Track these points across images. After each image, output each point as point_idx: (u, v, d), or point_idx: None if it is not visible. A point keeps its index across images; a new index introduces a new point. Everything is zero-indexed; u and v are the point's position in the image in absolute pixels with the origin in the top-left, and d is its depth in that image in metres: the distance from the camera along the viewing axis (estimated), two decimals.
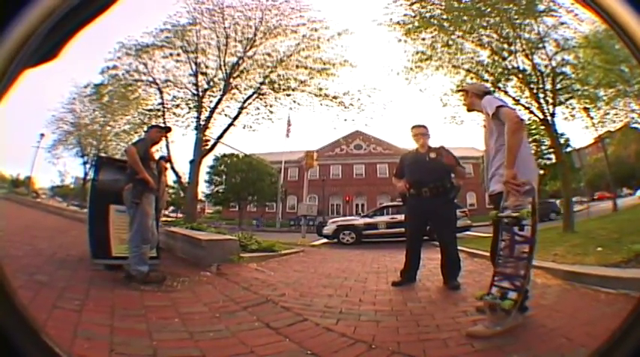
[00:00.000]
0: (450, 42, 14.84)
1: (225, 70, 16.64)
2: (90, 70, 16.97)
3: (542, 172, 12.32)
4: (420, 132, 7.22)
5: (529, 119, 13.62)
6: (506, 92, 14.17)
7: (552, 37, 13.74)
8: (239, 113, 16.64)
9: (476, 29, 14.31)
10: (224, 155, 20.78)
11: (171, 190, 17.67)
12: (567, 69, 14.00)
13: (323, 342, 4.07)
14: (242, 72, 16.76)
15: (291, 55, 16.87)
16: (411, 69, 15.42)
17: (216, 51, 16.68)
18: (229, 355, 3.67)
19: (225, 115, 16.65)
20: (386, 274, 8.02)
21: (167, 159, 8.44)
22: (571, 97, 13.94)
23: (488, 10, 14.03)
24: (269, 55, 16.89)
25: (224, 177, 21.32)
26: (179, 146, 21.63)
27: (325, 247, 14.66)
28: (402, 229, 7.73)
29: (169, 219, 16.53)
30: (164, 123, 15.70)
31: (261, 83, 16.79)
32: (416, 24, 14.96)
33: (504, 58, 14.39)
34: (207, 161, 19.05)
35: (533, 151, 6.32)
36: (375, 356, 3.73)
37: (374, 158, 22.97)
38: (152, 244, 7.00)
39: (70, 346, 3.41)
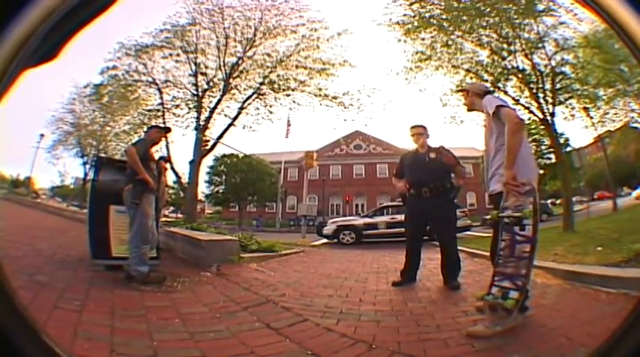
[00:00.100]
0: (450, 42, 14.84)
1: (225, 70, 16.64)
2: (90, 70, 16.97)
3: (541, 171, 12.30)
4: (419, 132, 7.23)
5: (529, 119, 13.63)
6: (505, 92, 14.17)
7: (552, 37, 13.75)
8: (239, 113, 16.65)
9: (475, 29, 14.31)
10: (224, 155, 20.78)
11: (171, 191, 17.66)
12: (567, 69, 14.00)
13: (323, 342, 4.07)
14: (242, 72, 16.76)
15: (290, 56, 16.87)
16: (411, 69, 15.42)
17: (215, 51, 16.69)
18: (230, 355, 3.67)
19: (225, 115, 16.66)
20: (386, 274, 8.03)
21: (167, 159, 8.44)
22: (571, 97, 13.94)
23: (488, 9, 14.03)
24: (269, 55, 16.89)
25: (224, 177, 21.30)
26: (179, 146, 21.59)
27: (325, 248, 14.66)
28: (402, 229, 7.74)
29: (169, 219, 16.51)
30: (164, 123, 15.68)
31: (261, 83, 16.79)
32: (415, 24, 14.95)
33: (504, 58, 14.39)
34: (207, 161, 19.06)
35: (533, 151, 6.32)
36: (376, 356, 3.74)
37: (374, 158, 22.95)
38: (152, 245, 7.00)
39: (71, 347, 3.41)
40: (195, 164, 16.18)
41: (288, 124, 18.84)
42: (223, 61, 16.66)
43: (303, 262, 10.16)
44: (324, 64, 16.80)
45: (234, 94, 16.75)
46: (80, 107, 18.01)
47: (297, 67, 16.88)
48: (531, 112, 13.69)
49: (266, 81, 16.78)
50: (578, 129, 16.27)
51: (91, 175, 10.16)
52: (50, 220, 16.34)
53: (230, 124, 16.59)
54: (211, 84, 16.69)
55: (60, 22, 1.26)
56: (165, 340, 3.95)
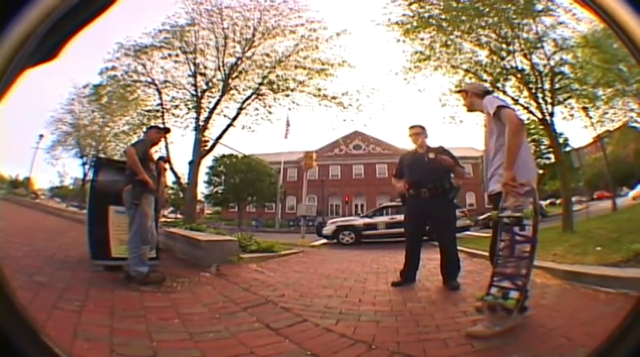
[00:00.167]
0: (449, 42, 14.85)
1: (224, 70, 16.65)
2: (89, 70, 16.97)
3: (541, 171, 12.32)
4: (417, 132, 7.23)
5: (528, 119, 13.64)
6: (504, 92, 14.19)
7: (551, 37, 13.77)
8: (238, 114, 16.65)
9: (474, 29, 14.32)
10: (223, 156, 20.79)
11: (170, 191, 17.66)
12: (566, 68, 14.02)
13: (323, 342, 4.08)
14: (241, 73, 16.76)
15: (289, 56, 16.88)
16: (410, 69, 15.43)
17: (214, 52, 16.69)
18: (229, 355, 3.68)
19: (224, 115, 16.66)
20: (385, 274, 8.03)
21: (166, 160, 8.45)
22: (570, 97, 13.96)
23: (487, 9, 14.03)
24: (267, 55, 16.90)
25: (223, 178, 21.32)
26: (178, 147, 21.65)
27: (325, 248, 14.67)
28: (402, 230, 7.74)
29: (169, 220, 16.50)
30: (163, 124, 15.69)
31: (260, 84, 16.79)
32: (414, 24, 14.96)
33: (503, 58, 14.40)
34: (207, 162, 19.06)
35: (532, 151, 6.32)
36: (375, 356, 3.74)
37: (373, 158, 22.96)
38: (151, 245, 7.00)
39: (70, 347, 3.41)
40: (194, 165, 16.19)
41: (288, 125, 18.87)
42: (222, 62, 16.68)
43: (302, 263, 10.16)
44: (323, 64, 16.82)
45: (233, 94, 16.77)
46: (79, 108, 18.05)
47: (296, 67, 16.90)
48: (530, 112, 13.72)
49: (265, 81, 16.79)
50: (577, 129, 16.34)
51: (90, 176, 10.15)
52: (49, 220, 16.34)
53: (229, 125, 16.61)
54: (210, 84, 16.70)
55: (59, 23, 1.26)
56: (164, 340, 3.95)
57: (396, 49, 15.83)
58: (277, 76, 16.85)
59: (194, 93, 16.63)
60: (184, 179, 17.09)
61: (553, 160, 14.60)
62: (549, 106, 13.64)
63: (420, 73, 15.38)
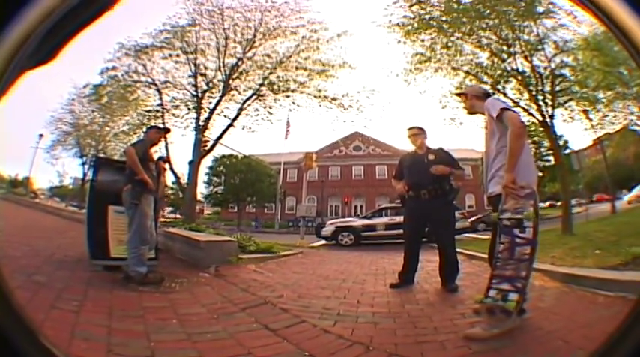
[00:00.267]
0: (450, 44, 14.84)
1: (225, 71, 16.63)
2: (89, 70, 16.96)
3: (540, 174, 12.32)
4: (416, 133, 7.27)
5: (528, 121, 13.62)
6: (505, 94, 14.17)
7: (551, 39, 13.75)
8: (238, 114, 16.62)
9: (475, 31, 14.30)
10: (223, 156, 20.74)
11: (170, 191, 17.65)
12: (566, 71, 14.01)
13: (321, 343, 4.08)
14: (241, 73, 16.74)
15: (290, 57, 16.86)
16: (411, 71, 15.41)
17: (215, 52, 16.67)
18: (227, 356, 3.68)
19: (225, 116, 16.62)
20: (384, 275, 8.04)
21: (166, 160, 8.45)
22: (570, 99, 13.94)
23: (488, 11, 14.03)
24: (268, 56, 16.87)
25: (223, 178, 21.28)
26: (178, 147, 21.59)
27: (324, 249, 14.64)
28: (401, 231, 7.75)
29: (168, 220, 16.49)
30: (163, 124, 15.67)
31: (261, 84, 16.76)
32: (415, 25, 14.94)
33: (503, 60, 14.39)
34: (206, 162, 19.03)
35: (532, 154, 6.33)
36: None
37: (373, 160, 22.91)
38: (151, 245, 7.01)
39: (68, 347, 3.41)
40: (194, 165, 16.16)
41: (288, 126, 18.85)
42: (223, 62, 16.65)
43: (301, 264, 10.16)
44: (323, 65, 16.80)
45: (233, 95, 16.74)
46: (79, 107, 18.00)
47: (296, 68, 16.88)
48: (531, 114, 13.69)
49: (265, 82, 16.76)
50: (577, 131, 16.22)
51: (89, 176, 10.14)
52: (49, 220, 16.33)
53: (229, 125, 16.57)
54: (211, 85, 16.67)
55: (59, 23, 1.27)
56: (162, 340, 3.95)
57: (396, 51, 15.79)
58: (278, 76, 16.83)
59: (194, 93, 16.61)
60: (184, 179, 17.07)
61: (553, 163, 14.58)
62: (549, 109, 13.63)
63: (421, 74, 15.36)
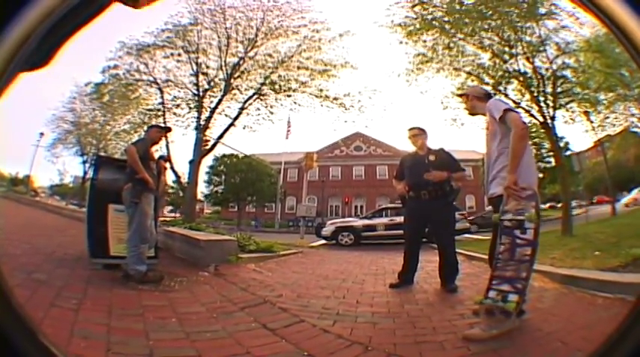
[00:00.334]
0: (452, 44, 14.84)
1: (226, 70, 16.64)
2: (91, 69, 16.97)
3: (541, 175, 12.32)
4: (416, 134, 7.26)
5: (529, 122, 13.61)
6: (506, 95, 14.17)
7: (553, 41, 13.76)
8: (239, 114, 16.64)
9: (477, 32, 14.31)
10: (224, 155, 20.78)
11: (170, 190, 17.67)
12: (568, 72, 14.01)
13: (320, 343, 4.08)
14: (243, 72, 16.75)
15: (292, 56, 16.87)
16: (412, 71, 15.41)
17: (217, 51, 16.69)
18: (226, 355, 3.68)
19: (226, 115, 16.65)
20: (384, 276, 8.04)
21: (167, 159, 8.45)
22: (571, 101, 13.94)
23: (490, 12, 14.03)
24: (270, 55, 16.89)
25: (223, 177, 21.31)
26: (179, 146, 21.61)
27: (324, 249, 14.64)
28: (401, 231, 7.76)
29: (168, 219, 16.50)
30: (164, 123, 15.72)
31: (262, 84, 16.78)
32: (417, 26, 14.95)
33: (505, 61, 14.39)
34: (207, 161, 19.06)
35: (533, 155, 6.33)
36: None
37: (374, 160, 22.93)
38: (150, 244, 7.02)
39: (67, 345, 3.42)
40: (195, 164, 16.18)
41: (289, 125, 18.87)
42: (225, 61, 16.68)
43: (301, 263, 10.16)
44: (325, 65, 16.81)
45: (235, 94, 16.76)
46: (80, 106, 18.05)
47: (298, 68, 16.89)
48: (532, 115, 13.70)
49: (267, 81, 16.77)
50: (578, 133, 16.26)
51: (90, 174, 10.15)
52: (49, 218, 16.35)
53: (230, 125, 16.60)
54: (212, 84, 16.70)
55: (58, 23, 1.27)
56: (161, 339, 3.96)
57: (398, 51, 15.81)
58: (279, 76, 16.85)
59: (196, 92, 16.64)
60: (184, 178, 17.11)
61: (553, 164, 14.58)
62: (551, 110, 13.64)
63: (423, 75, 15.37)
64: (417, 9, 14.90)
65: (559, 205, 15.44)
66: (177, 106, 16.70)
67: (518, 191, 4.30)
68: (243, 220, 21.59)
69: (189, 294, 6.07)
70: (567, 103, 13.95)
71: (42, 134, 17.48)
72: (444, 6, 14.76)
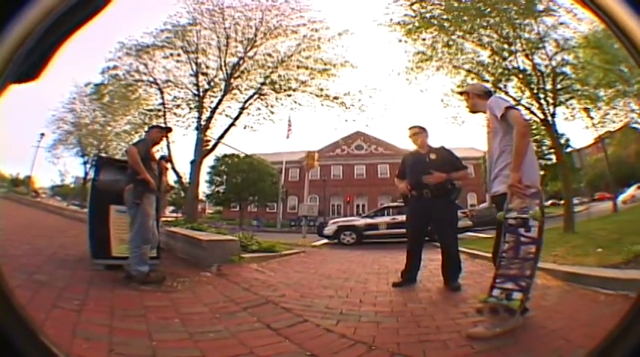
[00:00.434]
0: (451, 42, 14.84)
1: (226, 70, 16.65)
2: (90, 69, 16.98)
3: (542, 172, 12.32)
4: (415, 132, 7.26)
5: (530, 120, 13.60)
6: (507, 93, 14.17)
7: (552, 37, 13.75)
8: (240, 114, 16.66)
9: (476, 29, 14.30)
10: (225, 155, 20.84)
11: (171, 192, 17.69)
12: (567, 69, 14.01)
13: (323, 343, 4.08)
14: (243, 72, 16.76)
15: (291, 56, 16.88)
16: (412, 69, 15.43)
17: (216, 51, 16.70)
18: (229, 355, 3.67)
19: (226, 115, 16.68)
20: (386, 275, 8.03)
21: (168, 159, 8.45)
22: (571, 98, 13.94)
23: (488, 10, 14.03)
24: (270, 55, 16.90)
25: (225, 177, 21.36)
26: (180, 146, 21.66)
27: (326, 248, 14.65)
28: (403, 230, 7.74)
29: (170, 219, 16.51)
30: (165, 123, 15.72)
31: (262, 84, 16.79)
32: (416, 24, 14.95)
33: (505, 59, 14.39)
34: (208, 161, 19.09)
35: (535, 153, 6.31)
36: None
37: (375, 159, 22.95)
38: (153, 245, 7.01)
39: (69, 346, 3.41)
40: (196, 164, 16.21)
41: (290, 125, 18.88)
42: (224, 61, 16.69)
43: (303, 263, 10.16)
44: (325, 64, 16.82)
45: (235, 94, 16.78)
46: (80, 106, 18.06)
47: (298, 67, 16.90)
48: (532, 112, 13.70)
49: (267, 81, 16.79)
50: (578, 129, 16.25)
51: (91, 175, 10.15)
52: (50, 219, 16.35)
53: (231, 124, 16.62)
54: (212, 84, 16.71)
55: (57, 23, 1.26)
56: (164, 340, 3.95)
57: (398, 50, 15.86)
58: (279, 75, 16.87)
59: (196, 92, 16.66)
60: (186, 179, 17.12)
61: (555, 161, 14.57)
62: (551, 107, 13.64)
63: (422, 73, 15.39)
64: (415, 7, 14.92)
65: (561, 202, 15.44)
66: (178, 106, 16.74)
67: (522, 189, 4.30)
68: (245, 219, 21.62)
69: (191, 294, 6.07)
70: (567, 100, 13.95)
71: (42, 135, 17.50)
72: (443, 3, 14.77)
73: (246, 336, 4.16)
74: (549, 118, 13.60)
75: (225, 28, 16.57)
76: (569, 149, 15.32)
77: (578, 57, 13.95)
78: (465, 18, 14.29)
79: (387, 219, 15.23)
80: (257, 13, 16.65)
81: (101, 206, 7.59)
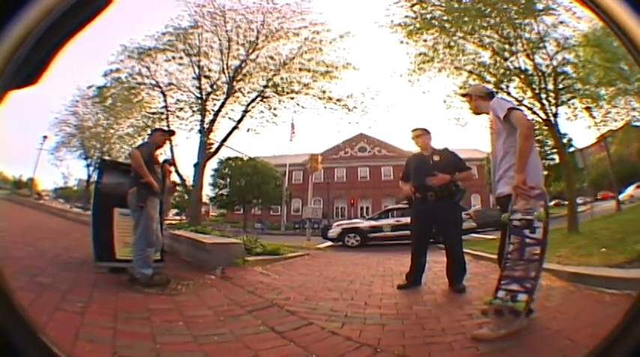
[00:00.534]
0: (452, 43, 14.82)
1: (229, 73, 16.63)
2: (93, 72, 17.00)
3: (545, 173, 12.30)
4: (418, 134, 7.26)
5: (532, 120, 13.58)
6: (509, 93, 14.15)
7: (552, 37, 13.73)
8: (243, 116, 16.63)
9: (477, 30, 14.29)
10: (228, 158, 20.83)
11: (175, 193, 17.68)
12: (568, 68, 13.99)
13: (328, 346, 4.07)
14: (245, 75, 16.75)
15: (293, 58, 16.86)
16: (414, 71, 15.39)
17: (218, 54, 16.68)
18: None
19: (229, 118, 16.64)
20: (391, 277, 8.02)
21: (171, 162, 8.46)
22: (573, 97, 13.92)
23: (489, 10, 14.01)
24: (272, 58, 16.88)
25: (228, 180, 21.36)
26: (183, 149, 21.67)
27: (330, 250, 14.62)
28: (408, 232, 7.72)
29: (174, 222, 16.51)
30: (168, 126, 15.74)
31: (265, 86, 16.77)
32: (417, 25, 14.93)
33: (506, 59, 14.36)
34: (212, 164, 19.09)
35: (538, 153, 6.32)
36: None
37: (378, 161, 22.92)
38: (157, 248, 7.02)
39: (72, 349, 3.41)
40: (199, 167, 16.18)
41: (293, 127, 18.88)
42: (226, 64, 16.67)
43: (308, 266, 10.15)
44: (327, 66, 16.79)
45: (238, 97, 16.75)
46: (83, 109, 18.06)
47: (300, 69, 16.88)
48: (534, 112, 13.67)
49: (270, 84, 16.76)
50: (580, 129, 16.21)
51: (94, 178, 10.16)
52: (53, 221, 16.36)
53: (234, 127, 16.58)
54: (215, 87, 16.69)
55: (56, 23, 1.26)
56: (168, 343, 3.95)
57: (399, 51, 15.81)
58: (282, 78, 16.84)
59: (199, 95, 16.63)
60: (189, 181, 17.11)
61: (557, 161, 14.56)
62: (553, 107, 13.61)
63: (424, 74, 15.35)
64: (416, 8, 14.89)
65: (565, 202, 15.41)
66: (181, 109, 16.70)
67: (527, 191, 4.29)
68: (249, 222, 21.62)
69: (195, 297, 6.07)
70: (569, 100, 13.93)
71: (45, 137, 17.49)
72: (443, 5, 14.76)
73: (250, 339, 4.16)
74: (552, 118, 13.58)
75: (226, 31, 16.57)
76: (571, 149, 15.29)
77: (578, 56, 13.94)
78: (466, 19, 14.28)
79: (391, 221, 15.19)
80: (258, 15, 16.65)
81: (105, 209, 7.60)
